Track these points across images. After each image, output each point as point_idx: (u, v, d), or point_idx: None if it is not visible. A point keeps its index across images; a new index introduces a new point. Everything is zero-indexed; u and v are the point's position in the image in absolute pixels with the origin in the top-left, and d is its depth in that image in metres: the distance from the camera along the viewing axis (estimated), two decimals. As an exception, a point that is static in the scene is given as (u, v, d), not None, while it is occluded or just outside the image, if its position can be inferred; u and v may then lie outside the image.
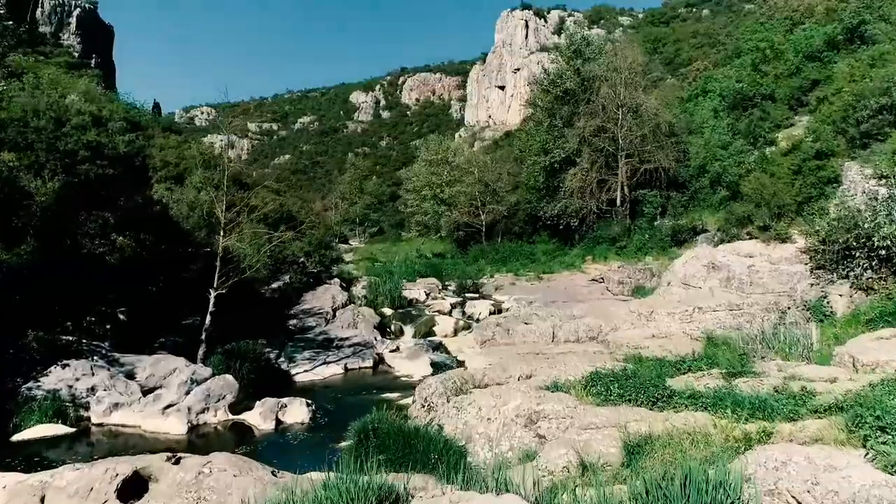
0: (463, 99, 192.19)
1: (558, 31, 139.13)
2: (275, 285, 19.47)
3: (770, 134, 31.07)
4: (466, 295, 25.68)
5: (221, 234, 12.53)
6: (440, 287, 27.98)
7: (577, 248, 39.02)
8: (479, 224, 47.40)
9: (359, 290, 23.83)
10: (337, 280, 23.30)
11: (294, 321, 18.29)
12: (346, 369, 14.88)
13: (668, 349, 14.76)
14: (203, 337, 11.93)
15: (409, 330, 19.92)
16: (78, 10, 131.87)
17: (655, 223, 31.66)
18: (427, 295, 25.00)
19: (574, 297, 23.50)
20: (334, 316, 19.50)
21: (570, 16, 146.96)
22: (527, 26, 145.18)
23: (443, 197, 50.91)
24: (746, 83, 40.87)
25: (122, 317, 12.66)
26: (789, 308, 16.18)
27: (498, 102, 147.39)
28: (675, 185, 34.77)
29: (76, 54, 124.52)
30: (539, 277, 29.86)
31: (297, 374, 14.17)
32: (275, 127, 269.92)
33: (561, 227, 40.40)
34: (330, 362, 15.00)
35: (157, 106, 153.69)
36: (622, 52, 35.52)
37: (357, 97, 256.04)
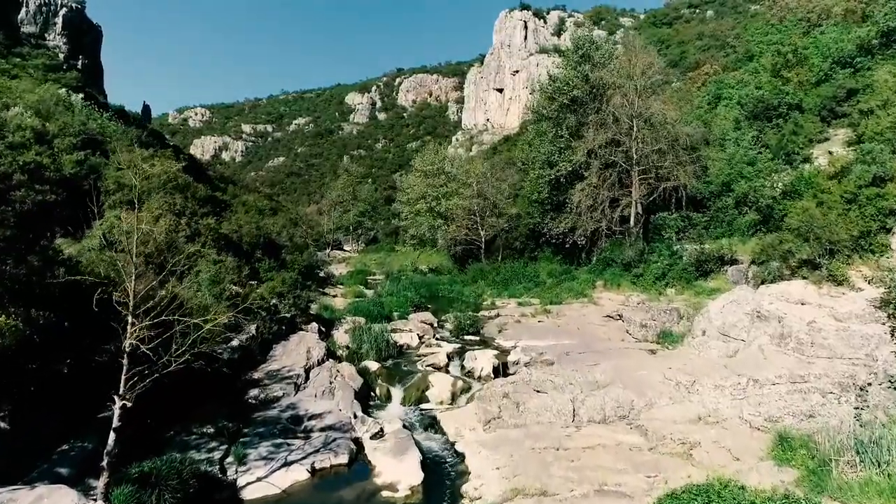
0: (460, 101, 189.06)
1: (558, 32, 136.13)
2: (235, 342, 16.16)
3: (804, 150, 27.89)
4: (465, 337, 22.40)
5: (129, 323, 9.13)
6: (435, 325, 24.72)
7: (584, 269, 35.81)
8: (478, 240, 44.18)
9: (341, 334, 20.55)
10: (315, 325, 19.98)
11: (255, 390, 14.98)
12: (312, 470, 11.60)
13: (726, 447, 11.54)
14: (104, 463, 8.61)
15: (397, 393, 16.68)
16: (64, 9, 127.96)
17: (675, 247, 28.39)
18: (420, 339, 21.76)
19: (591, 343, 20.25)
20: (307, 378, 16.21)
21: (570, 16, 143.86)
22: (526, 27, 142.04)
23: (439, 210, 47.67)
24: (768, 90, 37.79)
25: (2, 424, 9.35)
26: (870, 384, 12.96)
27: (496, 105, 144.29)
28: (692, 203, 31.61)
29: (62, 55, 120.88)
30: (546, 310, 26.61)
31: (248, 484, 10.87)
32: (269, 128, 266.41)
33: (567, 245, 37.24)
34: (293, 461, 11.71)
35: (146, 108, 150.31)
36: (636, 57, 32.20)
37: (353, 98, 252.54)
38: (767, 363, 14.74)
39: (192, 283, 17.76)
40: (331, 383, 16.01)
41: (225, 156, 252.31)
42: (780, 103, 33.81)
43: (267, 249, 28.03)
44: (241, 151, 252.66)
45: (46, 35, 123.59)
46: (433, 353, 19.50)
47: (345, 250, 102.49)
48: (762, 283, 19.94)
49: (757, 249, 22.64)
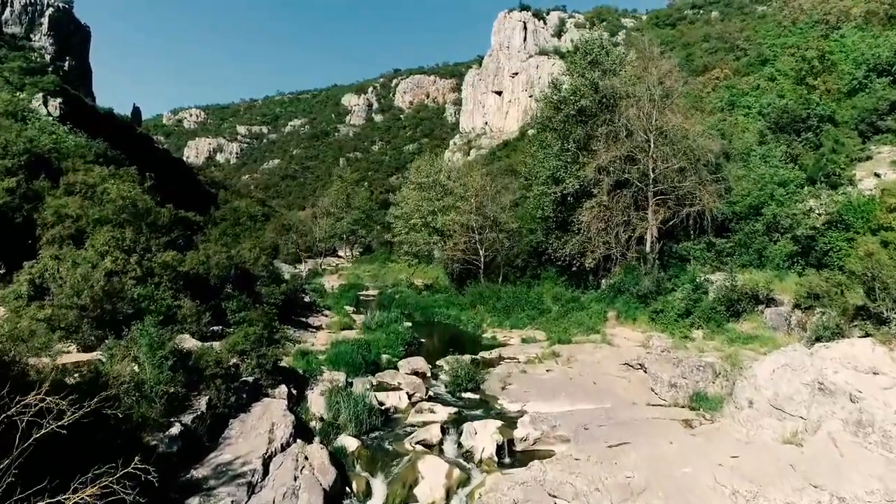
0: (458, 102, 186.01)
1: (558, 33, 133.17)
2: (176, 428, 12.89)
3: (846, 171, 24.72)
4: (463, 395, 19.23)
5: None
6: (428, 374, 21.58)
7: (592, 294, 32.73)
8: (477, 260, 41.03)
9: (315, 398, 17.33)
10: (283, 389, 16.74)
11: (195, 500, 11.74)
12: None
13: None
14: None
15: (379, 488, 13.53)
16: (51, 9, 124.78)
17: (698, 278, 25.24)
18: (410, 398, 18.59)
19: (613, 409, 17.12)
20: (266, 473, 12.99)
21: (570, 17, 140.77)
22: (525, 28, 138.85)
23: (435, 225, 44.47)
24: (791, 99, 34.72)
25: None
26: None
27: (495, 108, 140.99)
28: (714, 225, 28.48)
29: (48, 56, 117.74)
30: (554, 353, 23.51)
31: None
32: (265, 130, 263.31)
33: (574, 267, 34.16)
34: None
35: (136, 110, 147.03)
36: (652, 64, 29.04)
37: (349, 100, 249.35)
38: (847, 465, 11.60)
39: (129, 347, 14.57)
40: (295, 479, 12.81)
41: (220, 157, 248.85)
42: (810, 115, 30.72)
43: (239, 282, 24.82)
44: (236, 153, 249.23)
45: (32, 36, 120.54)
46: (425, 425, 16.29)
47: (339, 256, 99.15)
48: (817, 339, 16.80)
49: (801, 291, 19.51)
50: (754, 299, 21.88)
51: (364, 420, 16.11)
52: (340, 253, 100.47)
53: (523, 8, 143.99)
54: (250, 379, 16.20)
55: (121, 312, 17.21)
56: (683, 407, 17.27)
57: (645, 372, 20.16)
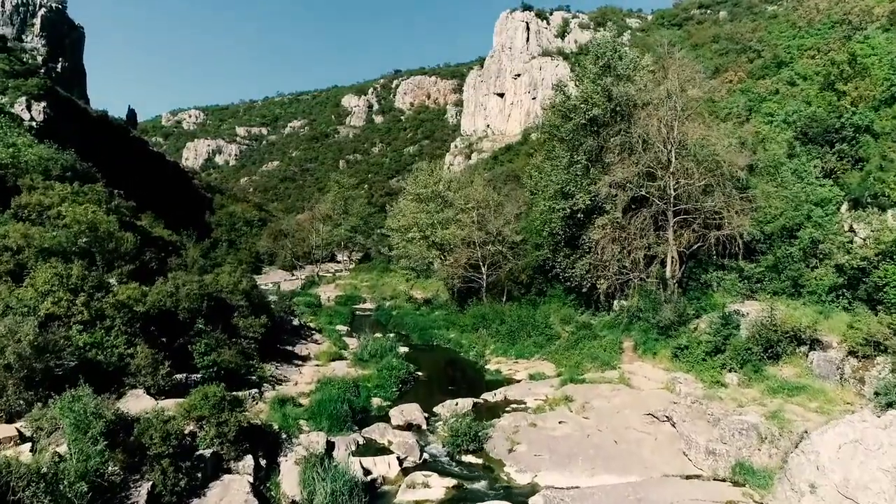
0: (459, 103, 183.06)
1: (562, 34, 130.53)
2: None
3: (894, 191, 21.95)
4: (463, 458, 16.54)
5: None
6: (424, 426, 18.88)
7: (604, 318, 30.03)
8: (480, 277, 38.28)
9: (287, 470, 14.60)
10: (249, 462, 14.01)
11: None
12: None
13: None
14: None
15: None
16: (43, 9, 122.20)
17: (727, 310, 22.47)
18: (401, 464, 15.88)
19: (642, 487, 14.39)
20: None
21: (574, 17, 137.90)
22: (528, 29, 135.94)
23: (434, 239, 41.76)
24: (820, 106, 31.99)
25: None
26: None
27: (497, 111, 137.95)
28: (738, 245, 25.71)
29: (40, 57, 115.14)
30: (566, 398, 20.74)
31: None
32: (264, 131, 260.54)
33: (584, 288, 31.40)
34: None
35: (132, 112, 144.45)
36: (673, 70, 26.30)
37: (349, 101, 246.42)
38: None
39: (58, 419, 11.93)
40: None
41: (218, 159, 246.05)
42: (844, 124, 27.97)
43: (214, 314, 22.13)
44: (235, 155, 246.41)
45: (24, 37, 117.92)
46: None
47: (337, 261, 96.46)
48: (888, 405, 14.05)
49: (857, 337, 16.76)
50: (795, 339, 19.14)
51: (344, 502, 13.41)
52: (339, 257, 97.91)
53: (526, 8, 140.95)
54: (208, 452, 13.49)
55: (60, 366, 14.57)
56: (724, 480, 14.58)
57: (673, 426, 17.45)
